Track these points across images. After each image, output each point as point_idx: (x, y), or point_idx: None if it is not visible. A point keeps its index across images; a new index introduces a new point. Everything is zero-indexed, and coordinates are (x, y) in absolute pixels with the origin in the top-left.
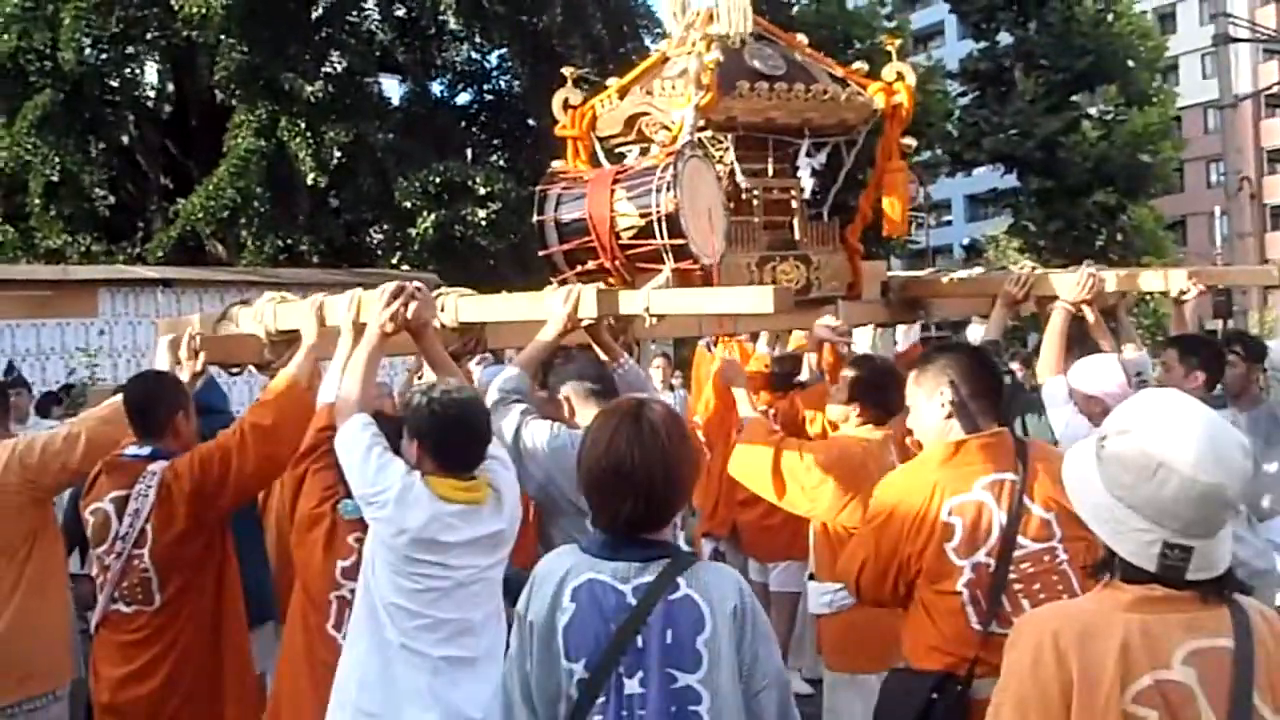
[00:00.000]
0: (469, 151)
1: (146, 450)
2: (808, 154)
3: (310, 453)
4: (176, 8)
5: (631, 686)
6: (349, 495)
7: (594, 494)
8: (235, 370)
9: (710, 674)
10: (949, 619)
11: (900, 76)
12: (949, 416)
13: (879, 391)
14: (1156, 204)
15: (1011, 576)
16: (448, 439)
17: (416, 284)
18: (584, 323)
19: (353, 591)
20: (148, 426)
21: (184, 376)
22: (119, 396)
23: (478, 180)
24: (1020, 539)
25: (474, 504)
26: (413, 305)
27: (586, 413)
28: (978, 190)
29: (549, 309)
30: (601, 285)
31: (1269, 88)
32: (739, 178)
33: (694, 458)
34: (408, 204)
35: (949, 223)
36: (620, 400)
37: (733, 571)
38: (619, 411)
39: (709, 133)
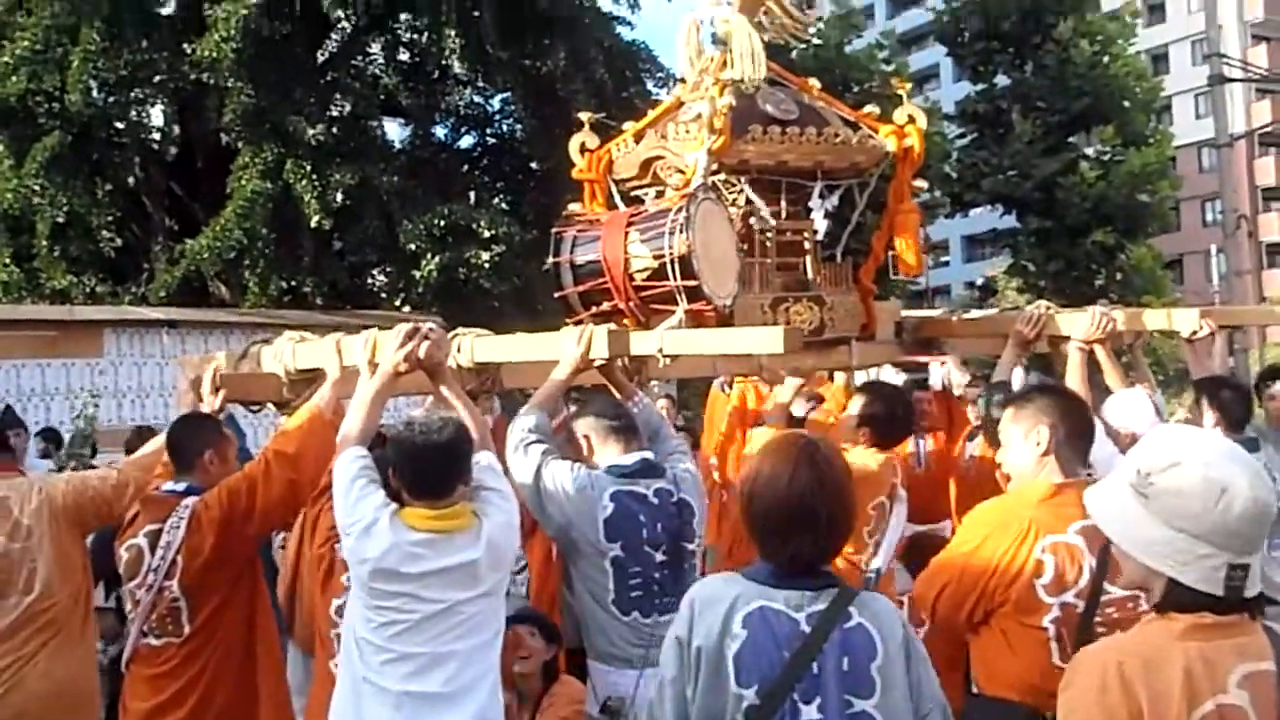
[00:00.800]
0: (472, 195)
1: (182, 486)
2: (820, 196)
3: (325, 492)
4: (188, 51)
5: (809, 713)
6: None
7: (771, 532)
8: (255, 408)
9: (884, 699)
10: (1033, 651)
11: (911, 119)
12: (1044, 455)
13: (886, 419)
14: (1154, 243)
15: (1096, 619)
16: (415, 465)
17: (431, 325)
18: (596, 363)
19: None
20: (183, 463)
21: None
22: (157, 441)
23: (481, 223)
24: (1107, 584)
25: (446, 532)
26: (425, 345)
27: (606, 451)
28: (975, 231)
29: (562, 349)
30: (614, 326)
31: (1263, 127)
32: (752, 220)
33: (853, 493)
34: (412, 247)
35: (946, 263)
36: (789, 436)
37: (890, 601)
38: (793, 449)
39: (722, 176)
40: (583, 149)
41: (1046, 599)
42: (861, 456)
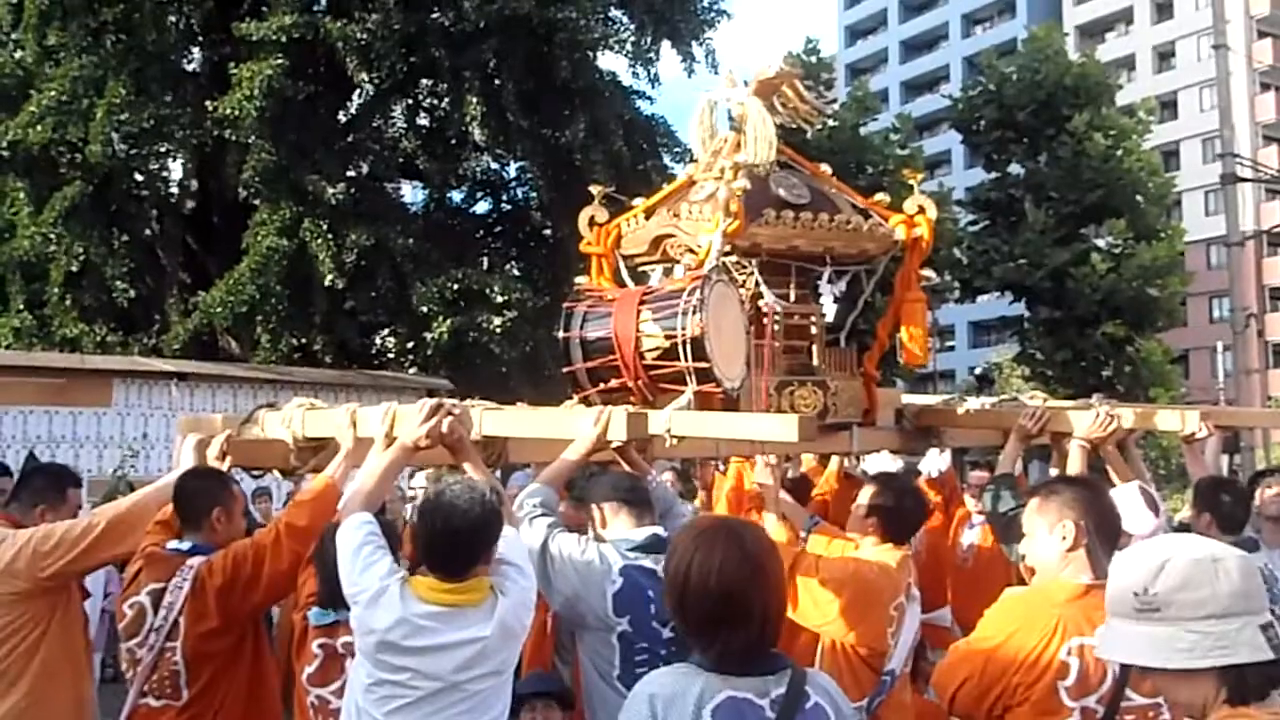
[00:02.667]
0: (485, 260)
1: (187, 545)
2: (829, 281)
3: (310, 560)
4: (210, 108)
5: None
6: (321, 602)
7: (704, 623)
8: (258, 474)
9: None
10: None
11: (921, 209)
12: (1071, 550)
13: (898, 512)
14: (1161, 337)
15: None
16: (437, 539)
17: (453, 401)
18: (613, 444)
19: (320, 699)
20: (189, 521)
21: None
22: (142, 492)
23: (494, 288)
24: (1130, 691)
25: (457, 606)
26: (448, 421)
27: (617, 524)
28: (982, 317)
29: (578, 429)
30: (631, 408)
31: (1274, 228)
32: (761, 303)
33: (784, 576)
34: (424, 309)
35: (952, 348)
36: (707, 519)
37: (828, 677)
38: (718, 537)
39: (734, 257)
40: (591, 222)
41: (1068, 702)
42: (880, 554)
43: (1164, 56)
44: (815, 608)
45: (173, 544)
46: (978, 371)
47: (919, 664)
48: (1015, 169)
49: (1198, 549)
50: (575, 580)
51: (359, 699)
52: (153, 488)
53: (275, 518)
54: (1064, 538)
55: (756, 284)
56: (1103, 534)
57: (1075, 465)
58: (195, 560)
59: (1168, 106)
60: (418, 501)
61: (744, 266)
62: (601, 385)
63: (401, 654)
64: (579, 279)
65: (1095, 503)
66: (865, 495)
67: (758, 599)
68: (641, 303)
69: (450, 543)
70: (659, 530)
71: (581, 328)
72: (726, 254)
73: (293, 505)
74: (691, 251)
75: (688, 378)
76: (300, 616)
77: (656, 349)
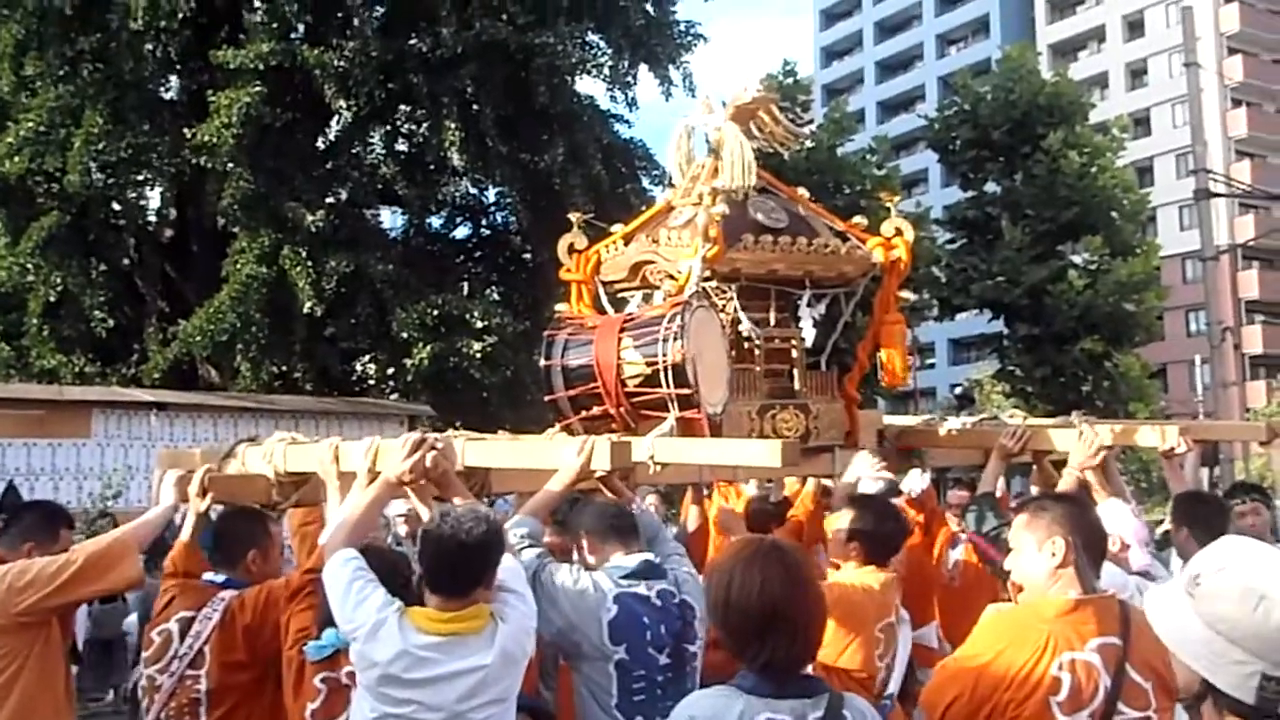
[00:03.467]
0: (465, 285)
1: (221, 578)
2: (808, 305)
3: (295, 595)
4: (188, 136)
5: None
6: (318, 637)
7: (750, 636)
8: None
9: None
10: None
11: (899, 232)
12: (1060, 567)
13: (879, 534)
14: (1139, 352)
15: None
16: (440, 559)
17: (435, 435)
18: (597, 474)
19: None
20: (227, 558)
21: (189, 514)
22: (123, 529)
23: (474, 314)
24: (1121, 704)
25: (458, 634)
26: (431, 455)
27: (606, 551)
28: (962, 335)
29: (561, 459)
30: (615, 437)
31: (1248, 241)
32: (741, 327)
33: (823, 596)
34: (404, 335)
35: (932, 365)
36: (753, 539)
37: (865, 702)
38: (760, 551)
39: (713, 282)
40: (571, 249)
41: (1060, 717)
42: (863, 576)
43: (1136, 74)
44: None
45: (208, 575)
46: (958, 390)
47: (906, 684)
48: (992, 187)
49: (1263, 577)
50: (569, 610)
51: None
52: (134, 524)
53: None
54: (1053, 554)
55: (736, 309)
56: (1090, 550)
57: (1068, 489)
58: (228, 594)
59: (1141, 123)
60: (406, 526)
61: (723, 291)
62: (584, 413)
63: (404, 687)
64: (559, 305)
65: (1083, 519)
66: (845, 519)
67: (802, 610)
68: (622, 330)
69: (456, 561)
70: (649, 556)
71: (563, 355)
72: (706, 279)
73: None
74: (671, 277)
75: (670, 404)
76: (295, 653)
77: (638, 376)
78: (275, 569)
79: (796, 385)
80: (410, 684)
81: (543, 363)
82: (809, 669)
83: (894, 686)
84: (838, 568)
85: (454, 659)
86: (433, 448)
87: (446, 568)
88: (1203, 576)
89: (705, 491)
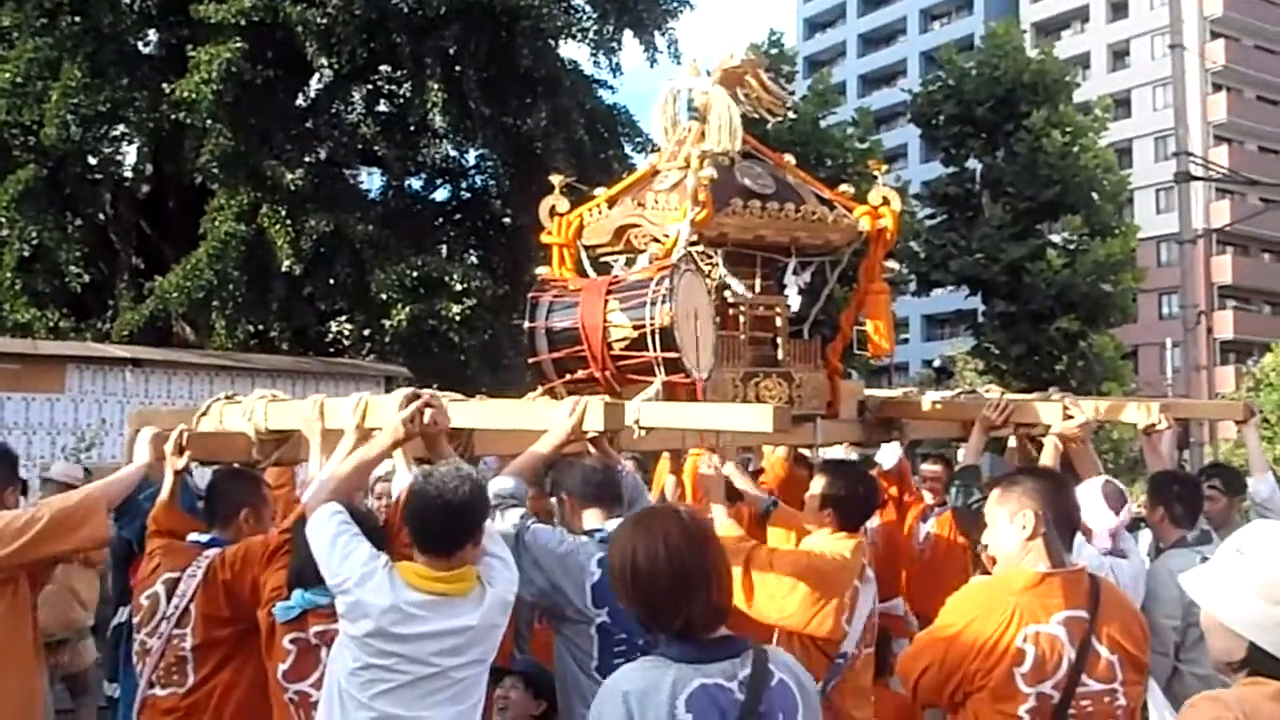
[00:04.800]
0: (444, 247)
1: (206, 538)
2: (794, 272)
3: (273, 555)
4: (167, 91)
5: None
6: (287, 597)
7: (662, 601)
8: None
9: None
10: None
11: (886, 201)
12: (1030, 539)
13: (852, 500)
14: (1113, 333)
15: (1071, 712)
16: (428, 518)
17: (430, 392)
18: (589, 435)
19: (299, 694)
20: (220, 516)
21: (167, 473)
22: (90, 486)
23: (453, 276)
24: (1085, 677)
25: (447, 595)
26: (429, 411)
27: (589, 515)
28: (936, 310)
29: (552, 419)
30: (607, 398)
31: (1224, 226)
32: (727, 293)
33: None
34: (383, 296)
35: (905, 340)
36: (650, 509)
37: (786, 653)
38: (657, 517)
39: (700, 247)
40: (552, 212)
41: (1024, 688)
42: (831, 543)
43: (1119, 55)
44: (771, 601)
45: (194, 536)
46: (936, 364)
47: (883, 655)
48: (973, 164)
49: None
50: (552, 572)
51: (342, 681)
52: (104, 482)
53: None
54: (1024, 527)
55: (722, 275)
56: (1061, 524)
57: (1048, 459)
58: (211, 552)
59: (1121, 104)
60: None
61: (709, 257)
62: (568, 376)
63: (390, 640)
64: (539, 268)
65: (1055, 493)
66: (818, 485)
67: (711, 569)
68: (609, 292)
69: (443, 518)
70: None
71: (547, 318)
72: (692, 244)
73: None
74: (657, 241)
75: (656, 368)
76: (265, 614)
77: (624, 339)
78: (266, 530)
79: (780, 354)
80: (397, 638)
81: (526, 324)
82: (725, 629)
83: (849, 645)
84: (810, 534)
85: (442, 618)
86: (428, 404)
87: (434, 528)
88: (1261, 555)
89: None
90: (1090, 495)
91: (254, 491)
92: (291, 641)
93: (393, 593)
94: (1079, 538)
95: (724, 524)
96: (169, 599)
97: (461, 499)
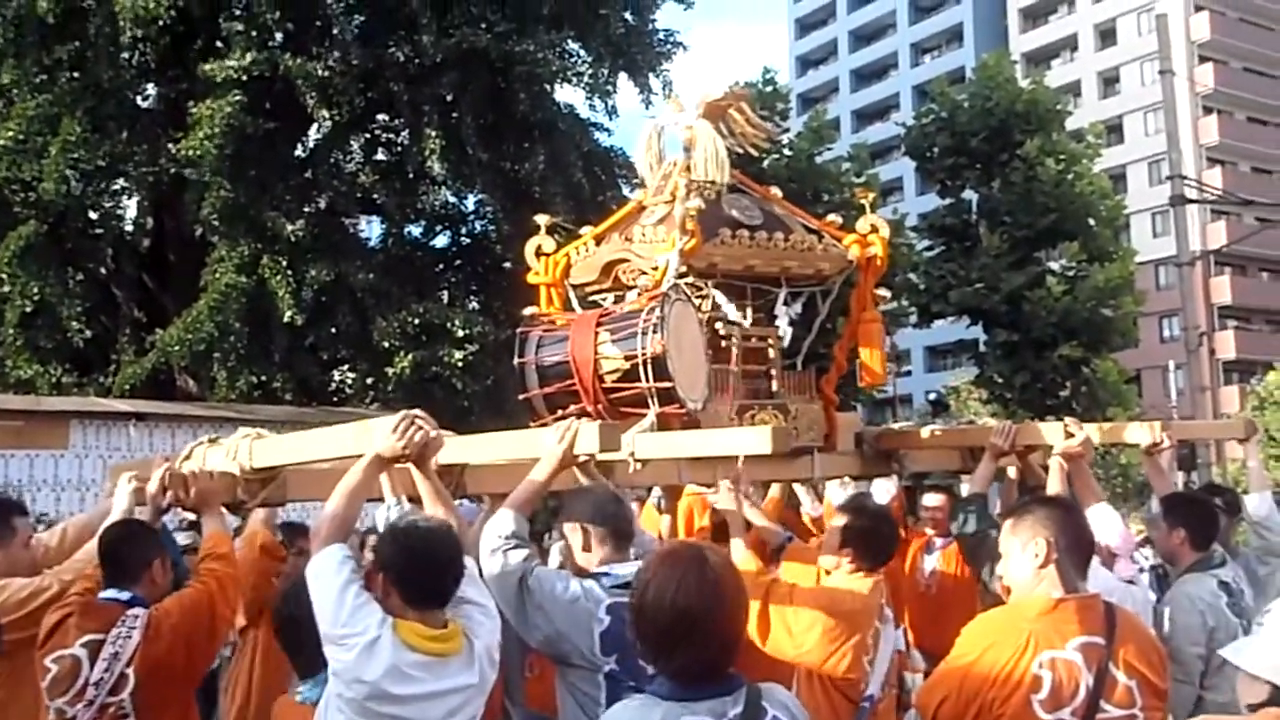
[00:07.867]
0: (445, 293)
1: (126, 595)
2: (785, 303)
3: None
4: (173, 151)
5: None
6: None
7: (659, 644)
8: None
9: None
10: None
11: (875, 229)
12: (1042, 567)
13: (872, 539)
14: (1114, 357)
15: None
16: (412, 570)
17: (423, 414)
18: (581, 459)
19: None
20: (128, 572)
21: (149, 516)
22: (85, 555)
23: (455, 322)
24: (1104, 703)
25: (442, 655)
26: (421, 434)
27: (601, 552)
28: (938, 342)
29: (542, 445)
30: (599, 421)
31: (1221, 248)
32: (718, 325)
33: (746, 601)
34: (385, 344)
35: (909, 373)
36: (677, 546)
37: (784, 690)
38: (678, 559)
39: (690, 279)
40: (538, 253)
41: (1042, 715)
42: (850, 583)
43: (1109, 82)
44: (789, 638)
45: (108, 594)
46: (932, 397)
47: (899, 693)
48: (969, 194)
49: None
50: (559, 619)
51: None
52: (85, 548)
53: (200, 573)
54: (1036, 555)
55: (714, 306)
56: (1074, 551)
57: (1055, 484)
58: (139, 610)
59: (1113, 131)
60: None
61: (699, 289)
62: (559, 411)
63: (390, 702)
64: (526, 312)
65: (1066, 521)
66: (838, 522)
67: (716, 619)
68: (599, 324)
69: (436, 573)
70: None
71: (537, 353)
72: (682, 275)
73: (221, 560)
74: (645, 273)
75: (650, 399)
76: (286, 697)
77: (616, 371)
78: (168, 583)
79: (775, 385)
80: (395, 699)
81: (516, 360)
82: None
83: (874, 688)
84: (827, 572)
85: (440, 679)
86: (421, 427)
87: (430, 580)
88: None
89: (659, 507)
90: (1105, 516)
91: (156, 542)
92: None
93: (393, 654)
94: (1094, 562)
95: (743, 556)
96: (93, 663)
97: (450, 550)
